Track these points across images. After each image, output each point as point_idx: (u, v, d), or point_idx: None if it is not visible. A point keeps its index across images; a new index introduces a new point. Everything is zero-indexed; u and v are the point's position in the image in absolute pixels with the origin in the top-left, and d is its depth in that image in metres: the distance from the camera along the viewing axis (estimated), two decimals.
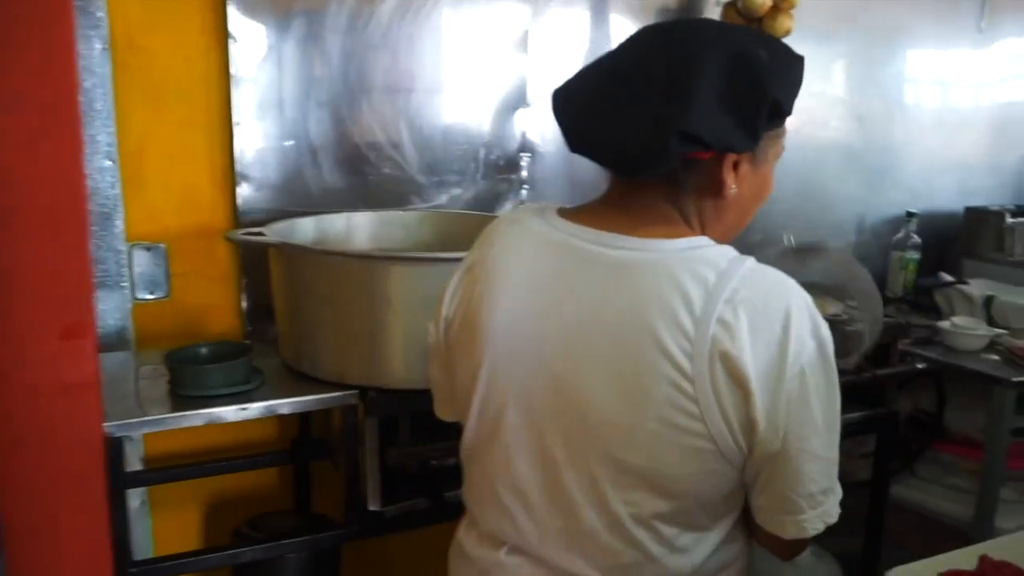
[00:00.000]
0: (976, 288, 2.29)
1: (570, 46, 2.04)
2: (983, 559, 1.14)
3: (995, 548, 1.18)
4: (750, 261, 0.88)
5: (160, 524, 1.77)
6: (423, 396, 1.14)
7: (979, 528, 1.95)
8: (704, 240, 0.90)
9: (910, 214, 2.48)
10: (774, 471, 0.88)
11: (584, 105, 0.91)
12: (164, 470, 1.72)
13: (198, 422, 1.41)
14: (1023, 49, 2.74)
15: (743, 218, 0.97)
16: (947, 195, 2.67)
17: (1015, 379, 1.89)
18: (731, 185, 0.90)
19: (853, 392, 1.78)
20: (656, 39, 0.91)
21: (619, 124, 0.87)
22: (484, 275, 0.95)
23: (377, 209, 1.85)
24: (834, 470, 0.92)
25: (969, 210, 2.59)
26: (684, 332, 0.83)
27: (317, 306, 1.46)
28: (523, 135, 2.03)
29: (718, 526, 0.95)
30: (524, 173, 2.05)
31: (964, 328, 2.11)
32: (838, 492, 0.93)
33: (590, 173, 0.94)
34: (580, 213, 0.95)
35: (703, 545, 0.94)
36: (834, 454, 0.91)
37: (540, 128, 2.04)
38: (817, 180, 2.47)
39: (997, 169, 2.78)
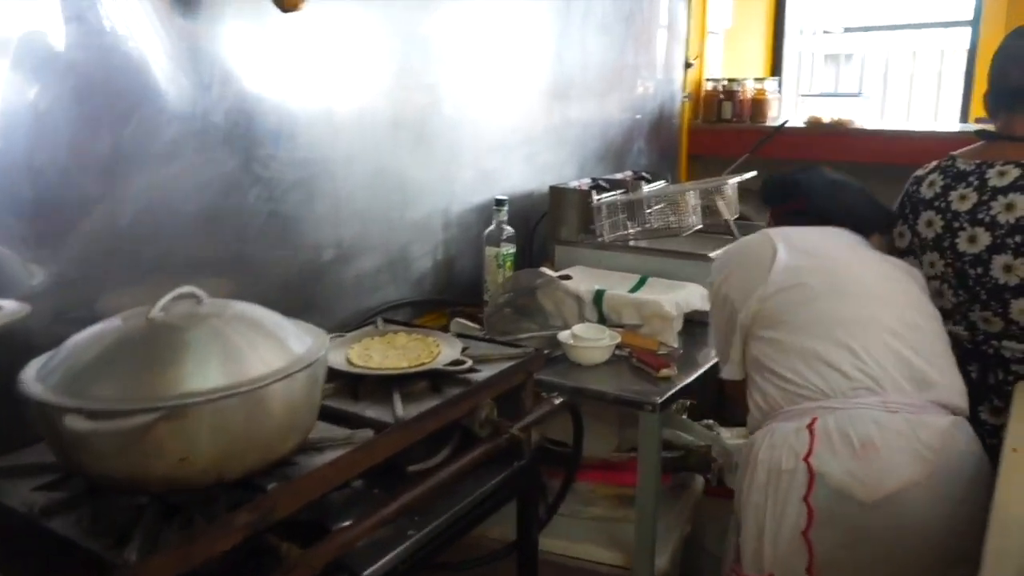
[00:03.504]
0: (582, 283, 2.03)
1: None
2: None
3: None
4: None
5: None
6: None
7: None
8: None
9: (499, 202, 2.12)
10: None
11: None
12: None
13: None
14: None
15: None
16: (521, 174, 2.39)
17: (658, 400, 1.63)
18: None
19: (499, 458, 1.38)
20: None
21: None
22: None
23: None
24: None
25: (554, 189, 2.34)
26: None
27: None
28: None
29: None
30: None
31: (588, 340, 1.82)
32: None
33: None
34: None
35: None
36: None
37: None
38: (395, 170, 1.95)
39: (563, 141, 2.58)
